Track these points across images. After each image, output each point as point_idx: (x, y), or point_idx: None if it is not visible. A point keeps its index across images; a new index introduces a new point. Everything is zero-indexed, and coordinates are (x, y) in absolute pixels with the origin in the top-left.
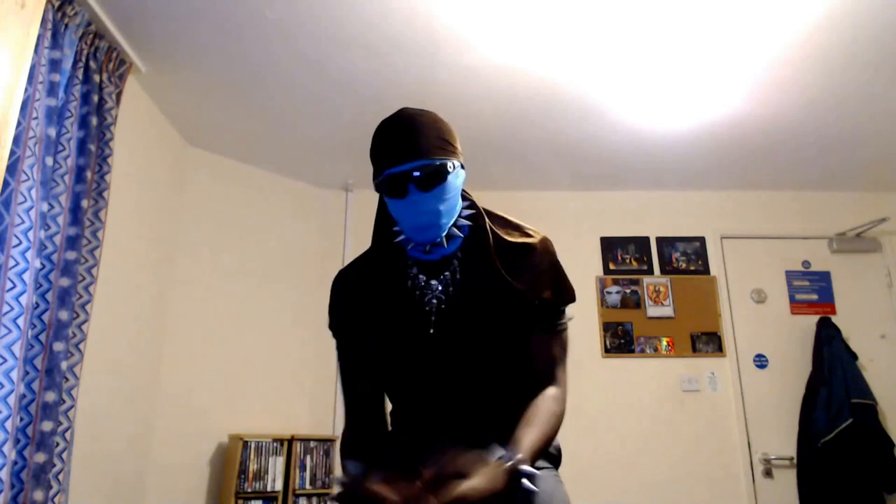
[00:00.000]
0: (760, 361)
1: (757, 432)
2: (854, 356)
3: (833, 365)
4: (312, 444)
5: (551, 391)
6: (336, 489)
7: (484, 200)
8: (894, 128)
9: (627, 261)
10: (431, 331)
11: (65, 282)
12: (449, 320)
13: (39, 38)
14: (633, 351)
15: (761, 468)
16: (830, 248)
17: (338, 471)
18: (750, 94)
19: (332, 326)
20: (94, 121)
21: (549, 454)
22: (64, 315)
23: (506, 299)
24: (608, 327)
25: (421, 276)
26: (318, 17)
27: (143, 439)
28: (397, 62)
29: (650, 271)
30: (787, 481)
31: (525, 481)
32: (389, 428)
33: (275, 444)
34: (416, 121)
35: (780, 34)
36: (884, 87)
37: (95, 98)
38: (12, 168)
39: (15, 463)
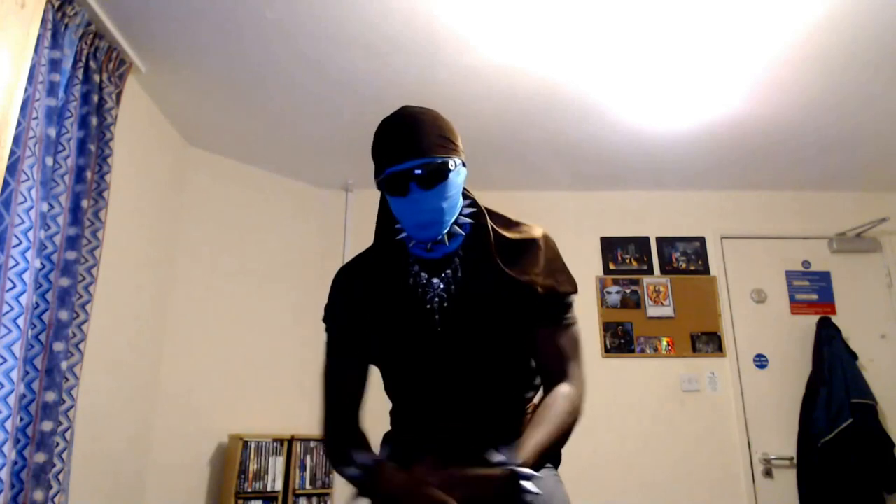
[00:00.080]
0: (760, 361)
1: (757, 432)
2: (854, 356)
3: (833, 365)
4: (312, 444)
5: (563, 389)
6: (353, 475)
7: (484, 200)
8: (894, 128)
9: (627, 261)
10: (439, 329)
11: (65, 282)
12: (453, 318)
13: (39, 38)
14: (633, 351)
15: (761, 468)
16: (830, 248)
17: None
18: (750, 94)
19: (326, 320)
20: (94, 121)
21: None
22: (64, 315)
23: (508, 295)
24: (608, 327)
25: (422, 274)
26: (318, 17)
27: (143, 439)
28: (397, 62)
29: (650, 271)
30: (787, 481)
31: (525, 483)
32: (390, 427)
33: (275, 444)
34: (418, 119)
35: (780, 34)
36: (884, 87)
37: (95, 98)
38: (12, 168)
39: (15, 463)
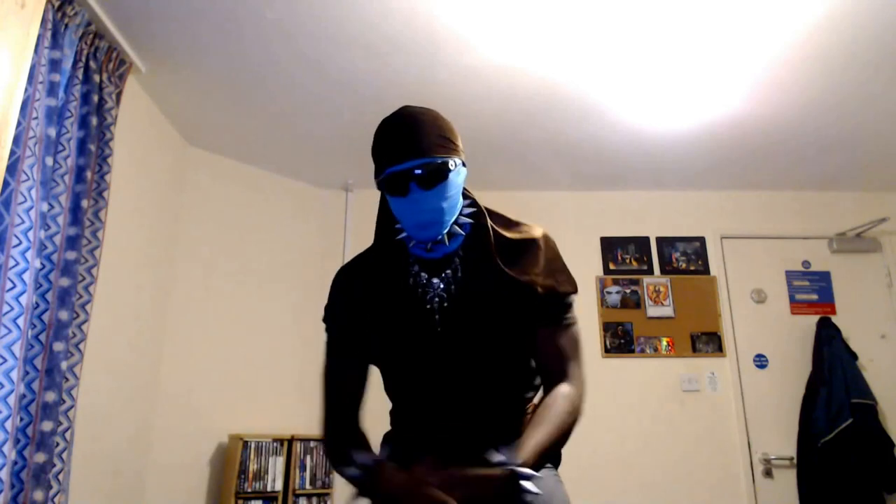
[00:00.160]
0: (760, 361)
1: (757, 432)
2: (854, 356)
3: (833, 365)
4: (312, 444)
5: (563, 389)
6: (353, 475)
7: (484, 200)
8: (894, 128)
9: (627, 261)
10: (439, 329)
11: (65, 282)
12: (454, 318)
13: (39, 38)
14: (633, 351)
15: (761, 468)
16: (830, 248)
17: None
18: (750, 94)
19: (326, 320)
20: (94, 121)
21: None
22: (64, 315)
23: (508, 295)
24: (608, 327)
25: (422, 274)
26: (318, 17)
27: (143, 439)
28: (397, 62)
29: (650, 271)
30: (787, 481)
31: (525, 483)
32: (390, 427)
33: (275, 444)
34: (418, 119)
35: (780, 34)
36: (884, 87)
37: (95, 98)
38: (12, 168)
39: (15, 463)
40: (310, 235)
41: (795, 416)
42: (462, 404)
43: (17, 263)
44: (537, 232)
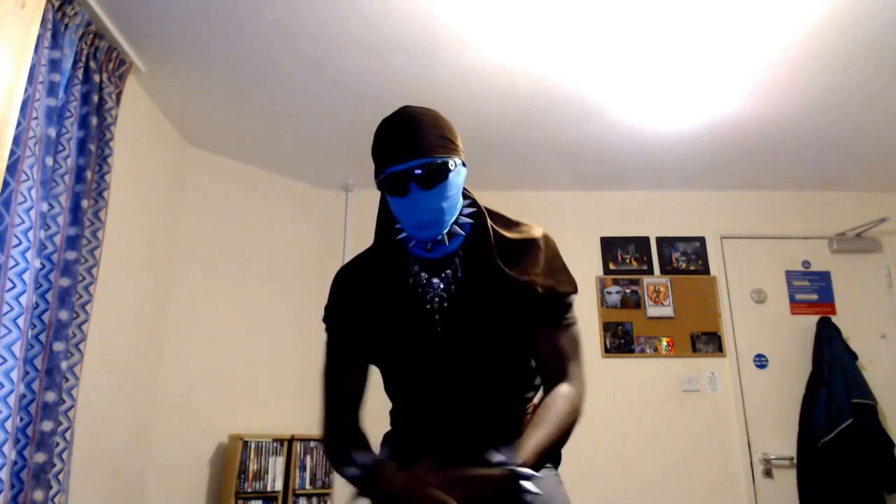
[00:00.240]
0: (760, 361)
1: (757, 432)
2: (854, 356)
3: (833, 365)
4: (312, 444)
5: (563, 389)
6: (353, 475)
7: (484, 200)
8: (894, 128)
9: (627, 261)
10: (439, 329)
11: (65, 282)
12: (454, 318)
13: (39, 38)
14: (633, 351)
15: (761, 468)
16: (830, 248)
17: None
18: (750, 94)
19: (326, 320)
20: (94, 121)
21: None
22: (64, 315)
23: (508, 295)
24: (608, 327)
25: (422, 274)
26: (318, 17)
27: (143, 439)
28: (397, 62)
29: (650, 271)
30: (787, 481)
31: (525, 483)
32: (390, 427)
33: (275, 444)
34: (418, 119)
35: (780, 34)
36: (884, 87)
37: (95, 98)
38: (12, 168)
39: (15, 463)
40: (310, 235)
41: (795, 416)
42: (462, 404)
43: (17, 263)
44: (537, 232)
